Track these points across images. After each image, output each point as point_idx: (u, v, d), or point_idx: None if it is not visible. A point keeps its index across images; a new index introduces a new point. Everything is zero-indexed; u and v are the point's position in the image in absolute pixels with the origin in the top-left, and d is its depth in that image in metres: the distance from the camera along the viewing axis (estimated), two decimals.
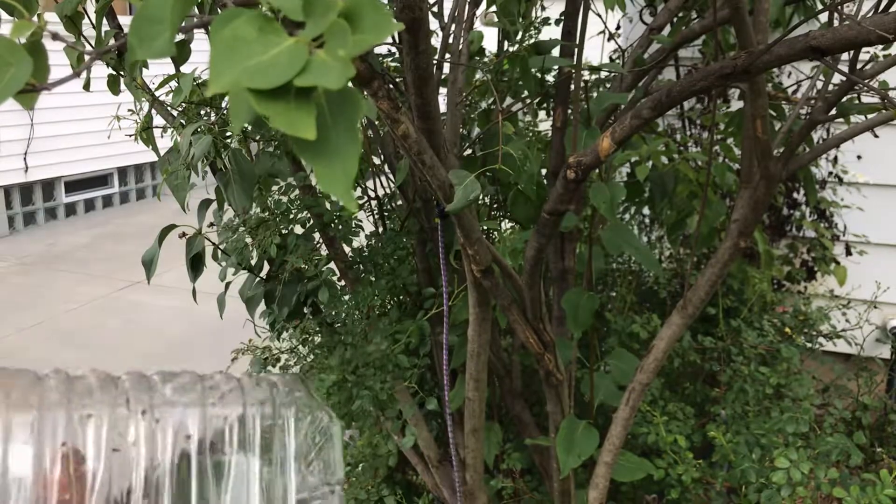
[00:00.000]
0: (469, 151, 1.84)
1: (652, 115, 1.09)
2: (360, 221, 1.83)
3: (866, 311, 2.79)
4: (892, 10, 1.33)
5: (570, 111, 1.58)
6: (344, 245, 1.82)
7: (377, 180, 2.04)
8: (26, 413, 0.50)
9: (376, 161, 2.01)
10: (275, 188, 1.74)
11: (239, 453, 0.48)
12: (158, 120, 1.67)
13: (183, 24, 0.46)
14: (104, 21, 1.47)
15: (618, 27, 2.76)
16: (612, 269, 2.45)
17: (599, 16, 1.64)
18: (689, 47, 1.83)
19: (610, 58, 2.21)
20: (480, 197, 1.27)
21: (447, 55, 1.62)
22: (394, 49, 1.85)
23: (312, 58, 0.39)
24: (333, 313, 1.76)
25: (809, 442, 1.80)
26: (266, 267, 1.80)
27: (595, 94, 1.62)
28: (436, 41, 1.69)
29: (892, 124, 2.73)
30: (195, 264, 1.65)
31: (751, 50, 0.98)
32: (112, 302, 4.62)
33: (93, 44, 1.51)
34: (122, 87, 1.62)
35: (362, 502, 1.84)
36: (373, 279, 1.82)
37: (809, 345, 2.39)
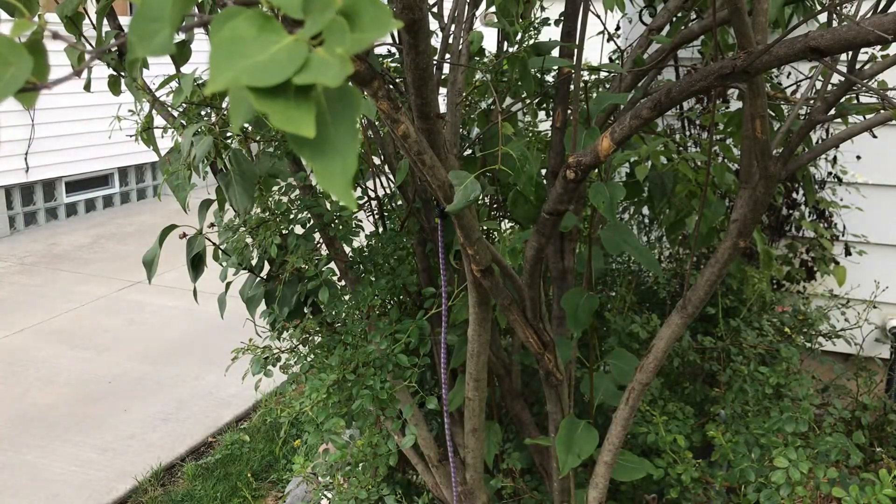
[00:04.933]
0: (469, 151, 1.84)
1: (651, 116, 1.10)
2: (360, 221, 1.83)
3: (865, 310, 2.79)
4: (890, 10, 1.34)
5: (569, 111, 1.58)
6: (344, 245, 1.82)
7: (377, 180, 2.04)
8: None
9: (376, 161, 2.01)
10: (275, 188, 1.74)
11: None
12: (159, 120, 1.68)
13: (183, 23, 0.46)
14: (105, 21, 1.47)
15: (617, 28, 2.77)
16: (611, 269, 2.45)
17: (599, 16, 1.65)
18: (688, 48, 1.83)
19: (609, 58, 2.22)
20: (480, 197, 1.27)
21: (447, 55, 1.62)
22: (394, 49, 1.85)
23: (311, 56, 0.39)
24: (333, 313, 1.76)
25: (809, 441, 1.81)
26: (266, 267, 1.80)
27: (594, 95, 1.62)
28: (436, 42, 1.70)
29: (891, 124, 2.74)
30: (196, 264, 1.65)
31: (750, 50, 0.98)
32: (112, 302, 4.62)
33: (93, 44, 1.52)
34: (123, 87, 1.63)
35: (362, 502, 1.84)
36: (373, 279, 1.83)
37: (809, 344, 2.39)
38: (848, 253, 2.82)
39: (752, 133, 1.19)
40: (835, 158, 2.75)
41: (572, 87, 1.48)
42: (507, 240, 1.79)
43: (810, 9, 1.73)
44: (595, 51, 1.94)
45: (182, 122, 1.60)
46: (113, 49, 1.57)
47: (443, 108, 1.56)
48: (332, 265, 1.78)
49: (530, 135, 1.99)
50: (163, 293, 4.67)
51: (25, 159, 6.11)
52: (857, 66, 1.32)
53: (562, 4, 1.57)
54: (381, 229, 2.01)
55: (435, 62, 1.46)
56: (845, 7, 1.55)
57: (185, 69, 1.58)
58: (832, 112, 1.34)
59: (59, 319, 4.35)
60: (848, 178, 2.76)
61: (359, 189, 2.03)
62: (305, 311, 1.83)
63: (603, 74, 1.80)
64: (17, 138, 6.01)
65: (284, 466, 2.95)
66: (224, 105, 1.59)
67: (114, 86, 1.63)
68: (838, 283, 2.75)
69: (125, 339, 4.10)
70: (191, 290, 1.68)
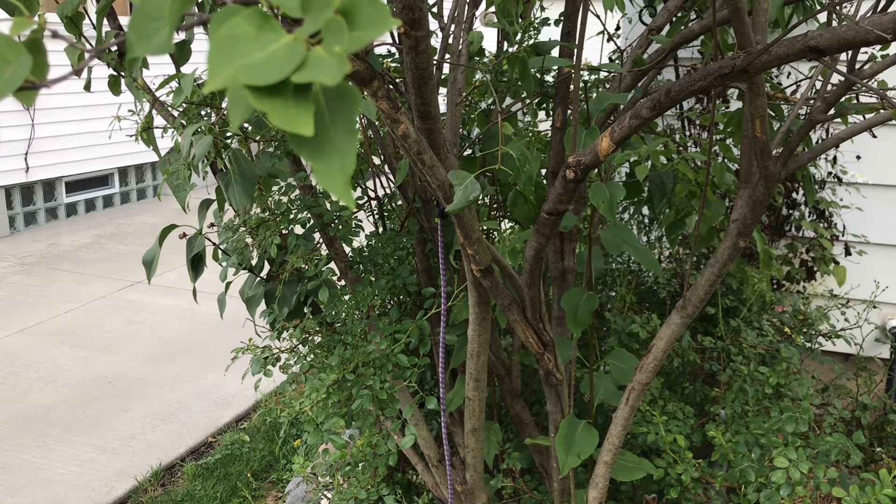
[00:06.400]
0: (469, 151, 1.84)
1: (651, 115, 1.10)
2: (360, 221, 1.83)
3: (865, 310, 2.79)
4: (890, 10, 1.34)
5: (569, 111, 1.58)
6: (344, 245, 1.82)
7: (377, 180, 2.04)
8: None
9: (376, 161, 2.01)
10: (275, 188, 1.74)
11: None
12: (159, 120, 1.68)
13: (183, 22, 0.46)
14: (105, 21, 1.47)
15: (617, 28, 2.77)
16: (611, 269, 2.45)
17: (599, 16, 1.65)
18: (687, 47, 1.83)
19: (609, 58, 2.22)
20: (480, 197, 1.27)
21: (447, 55, 1.62)
22: (394, 49, 1.85)
23: (310, 54, 0.39)
24: (333, 313, 1.76)
25: (809, 441, 1.81)
26: (266, 267, 1.80)
27: (594, 95, 1.62)
28: (435, 42, 1.70)
29: (891, 124, 2.73)
30: (196, 264, 1.65)
31: (749, 50, 0.98)
32: (112, 302, 4.62)
33: (93, 44, 1.52)
34: (123, 87, 1.63)
35: (362, 502, 1.84)
36: (373, 279, 1.83)
37: (809, 344, 2.39)
38: (848, 253, 2.82)
39: (752, 133, 1.19)
40: (835, 158, 2.75)
41: (572, 87, 1.48)
42: (507, 240, 1.79)
43: (810, 8, 1.73)
44: (595, 51, 1.94)
45: (182, 122, 1.60)
46: (113, 49, 1.57)
47: (443, 108, 1.56)
48: (332, 265, 1.78)
49: (530, 135, 1.99)
50: (163, 293, 4.67)
51: (25, 159, 6.11)
52: (857, 66, 1.32)
53: (562, 4, 1.57)
54: (381, 229, 2.01)
55: (435, 62, 1.46)
56: (845, 7, 1.55)
57: (185, 69, 1.58)
58: (832, 112, 1.34)
59: (59, 319, 4.35)
60: (848, 178, 2.76)
61: (359, 189, 2.03)
62: (305, 311, 1.83)
63: (603, 74, 1.80)
64: (17, 138, 6.02)
65: (284, 466, 2.95)
66: (224, 104, 1.59)
67: (114, 86, 1.63)
68: (838, 283, 2.75)
69: (125, 339, 4.10)
70: (191, 290, 1.68)
